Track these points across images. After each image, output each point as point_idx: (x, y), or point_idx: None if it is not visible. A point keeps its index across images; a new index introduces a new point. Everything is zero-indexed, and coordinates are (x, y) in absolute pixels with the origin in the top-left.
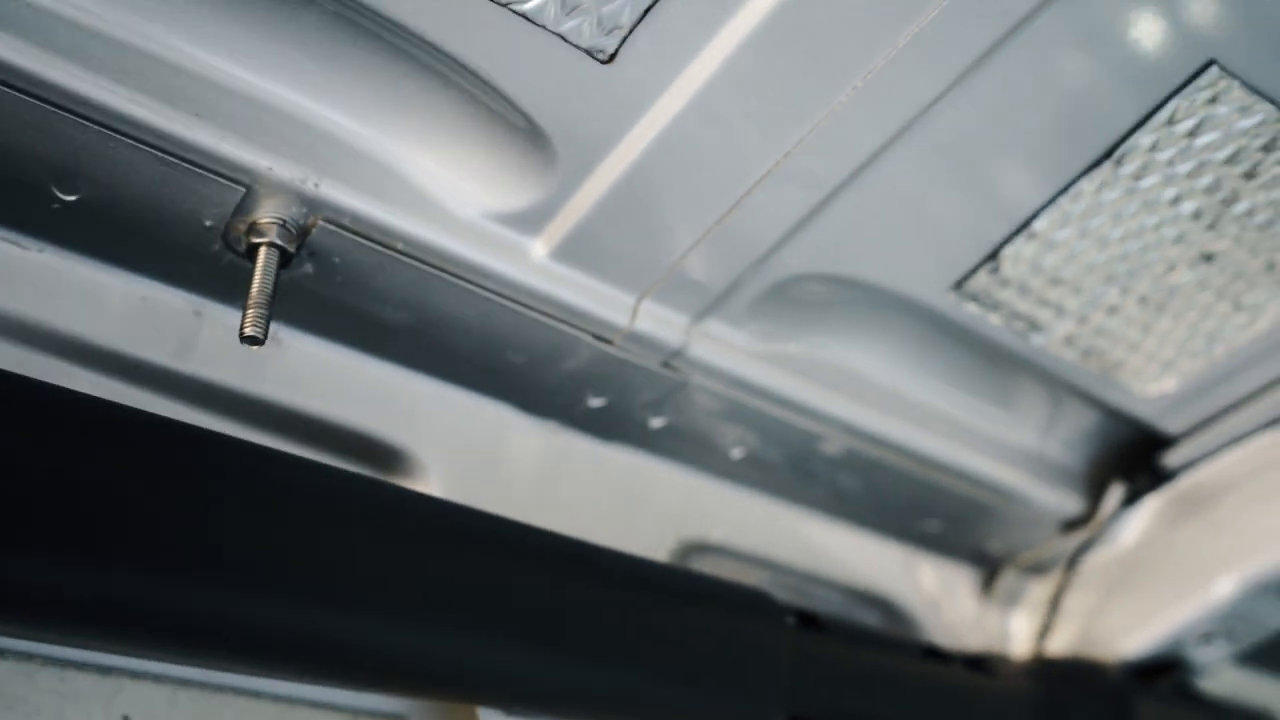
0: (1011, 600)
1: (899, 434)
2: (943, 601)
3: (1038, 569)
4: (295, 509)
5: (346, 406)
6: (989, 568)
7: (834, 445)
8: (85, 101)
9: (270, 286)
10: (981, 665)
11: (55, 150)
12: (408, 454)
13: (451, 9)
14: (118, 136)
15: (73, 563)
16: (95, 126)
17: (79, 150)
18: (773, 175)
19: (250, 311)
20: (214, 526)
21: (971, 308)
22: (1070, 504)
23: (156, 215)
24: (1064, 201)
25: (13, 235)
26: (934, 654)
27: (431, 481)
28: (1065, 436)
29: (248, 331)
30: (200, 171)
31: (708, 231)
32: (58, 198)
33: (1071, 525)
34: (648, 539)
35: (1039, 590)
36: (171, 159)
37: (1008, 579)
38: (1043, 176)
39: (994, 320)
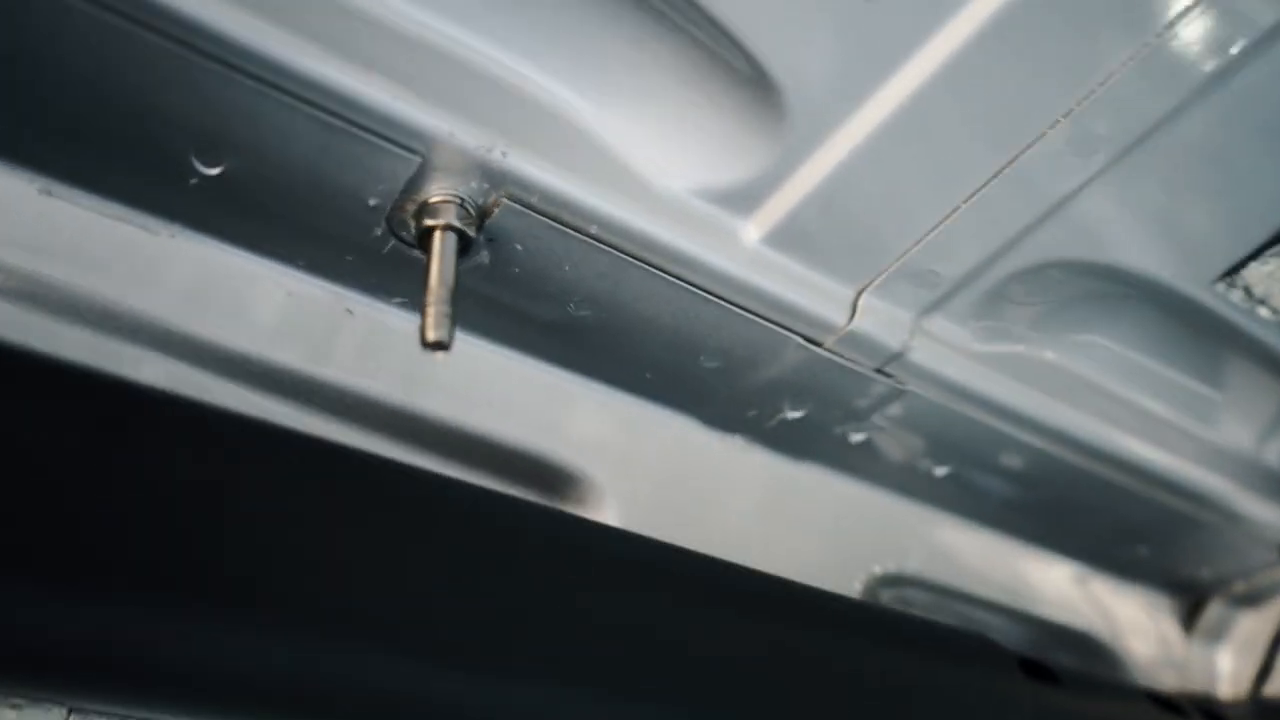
0: (1218, 635)
1: (1125, 447)
2: (1142, 637)
3: (1250, 600)
4: (466, 542)
5: (516, 423)
6: (1193, 598)
7: (1043, 459)
8: (235, 47)
9: (451, 278)
10: (1213, 713)
11: (197, 111)
12: (583, 477)
13: None
14: (273, 92)
15: (209, 609)
16: (248, 80)
17: (225, 111)
18: (1038, 146)
19: (432, 310)
20: (366, 563)
21: (1237, 298)
22: None
23: (312, 192)
24: None
25: (139, 216)
26: (1165, 703)
27: (608, 509)
28: None
29: (430, 336)
30: (368, 137)
31: (953, 211)
32: (196, 170)
33: None
34: (840, 570)
35: (1251, 624)
36: (336, 121)
37: (1215, 610)
38: None
39: (1263, 313)
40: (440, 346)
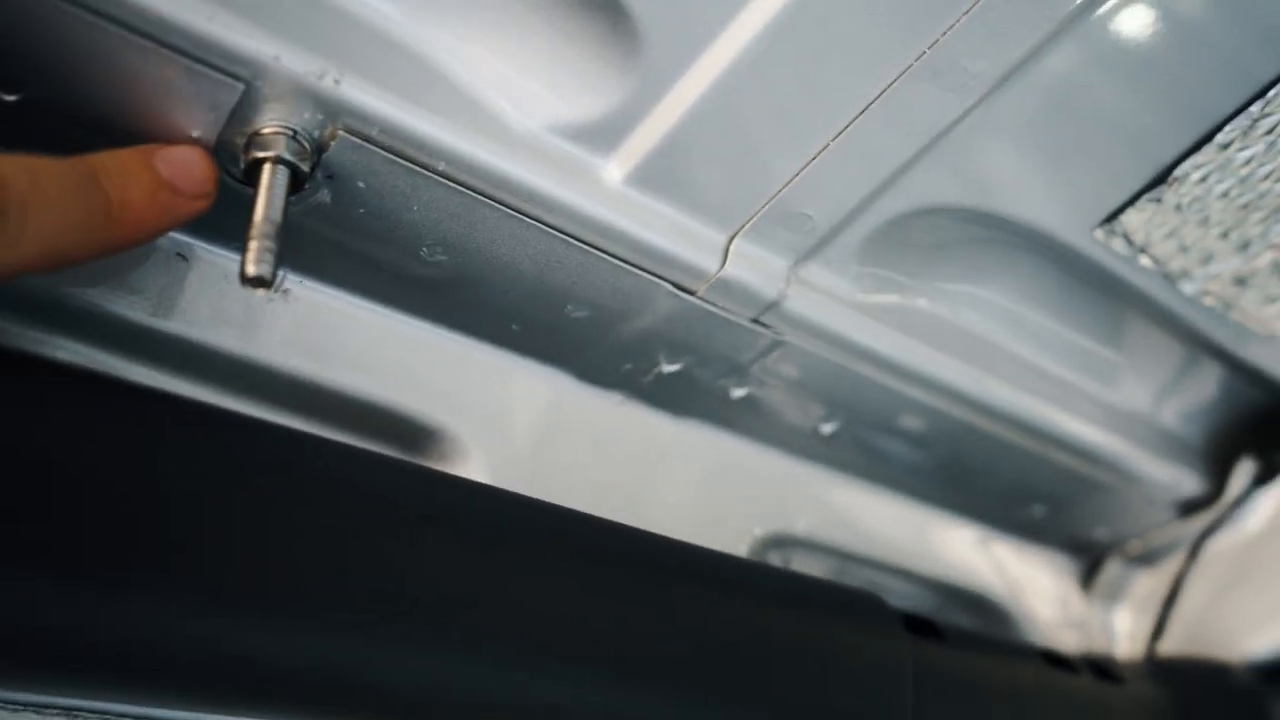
0: (1115, 594)
1: (1012, 401)
2: (1039, 596)
3: (1146, 559)
4: (309, 499)
5: (369, 374)
6: (1089, 558)
7: (935, 417)
8: None
9: (278, 214)
10: (1106, 672)
11: None
12: (445, 432)
13: None
14: (76, 10)
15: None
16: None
17: (21, 31)
18: (906, 79)
19: (253, 245)
20: (194, 523)
21: (1119, 246)
22: (1189, 483)
23: (125, 123)
24: (1254, 110)
25: None
26: (1057, 661)
27: (473, 465)
28: (1191, 404)
29: (250, 270)
30: (184, 61)
31: (823, 149)
32: None
33: (1189, 508)
34: (725, 531)
35: (1147, 583)
36: (146, 43)
37: (1112, 570)
38: (1234, 79)
39: (1144, 262)
40: (260, 283)
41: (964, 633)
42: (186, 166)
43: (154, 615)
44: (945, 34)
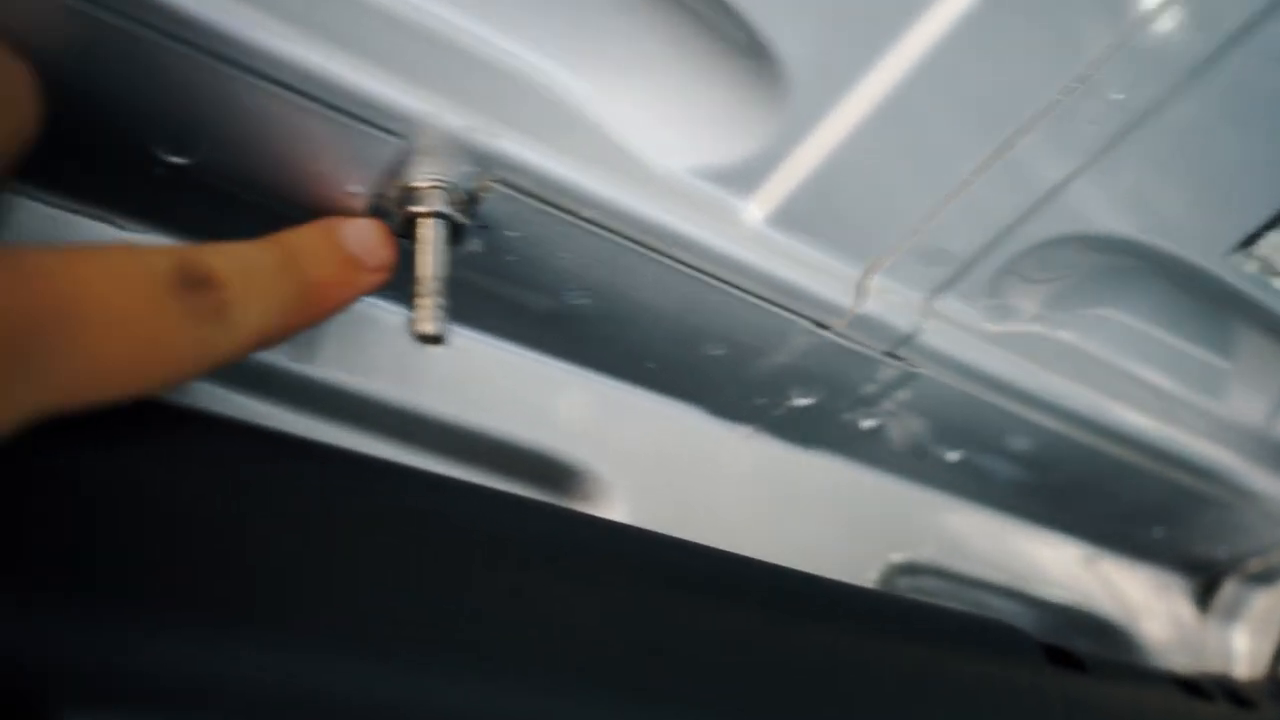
0: (1233, 614)
1: (1135, 423)
2: (1154, 617)
3: (1266, 578)
4: (475, 544)
5: (516, 418)
6: (1206, 577)
7: (1059, 442)
8: (204, 29)
9: (445, 268)
10: (1238, 696)
11: (161, 98)
12: (588, 471)
13: None
14: (244, 76)
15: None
16: (218, 64)
17: (193, 96)
18: (1052, 113)
19: (426, 302)
20: (371, 571)
21: (1252, 268)
22: None
23: (285, 180)
24: None
25: (101, 211)
26: (1191, 687)
27: (615, 502)
28: None
29: (423, 329)
30: (345, 120)
31: (966, 184)
32: (161, 161)
33: None
34: (854, 562)
35: (1267, 602)
36: (310, 104)
37: (1230, 590)
38: None
39: (1277, 284)
40: (435, 340)
41: (1102, 661)
42: (368, 240)
43: (315, 666)
44: (1094, 68)
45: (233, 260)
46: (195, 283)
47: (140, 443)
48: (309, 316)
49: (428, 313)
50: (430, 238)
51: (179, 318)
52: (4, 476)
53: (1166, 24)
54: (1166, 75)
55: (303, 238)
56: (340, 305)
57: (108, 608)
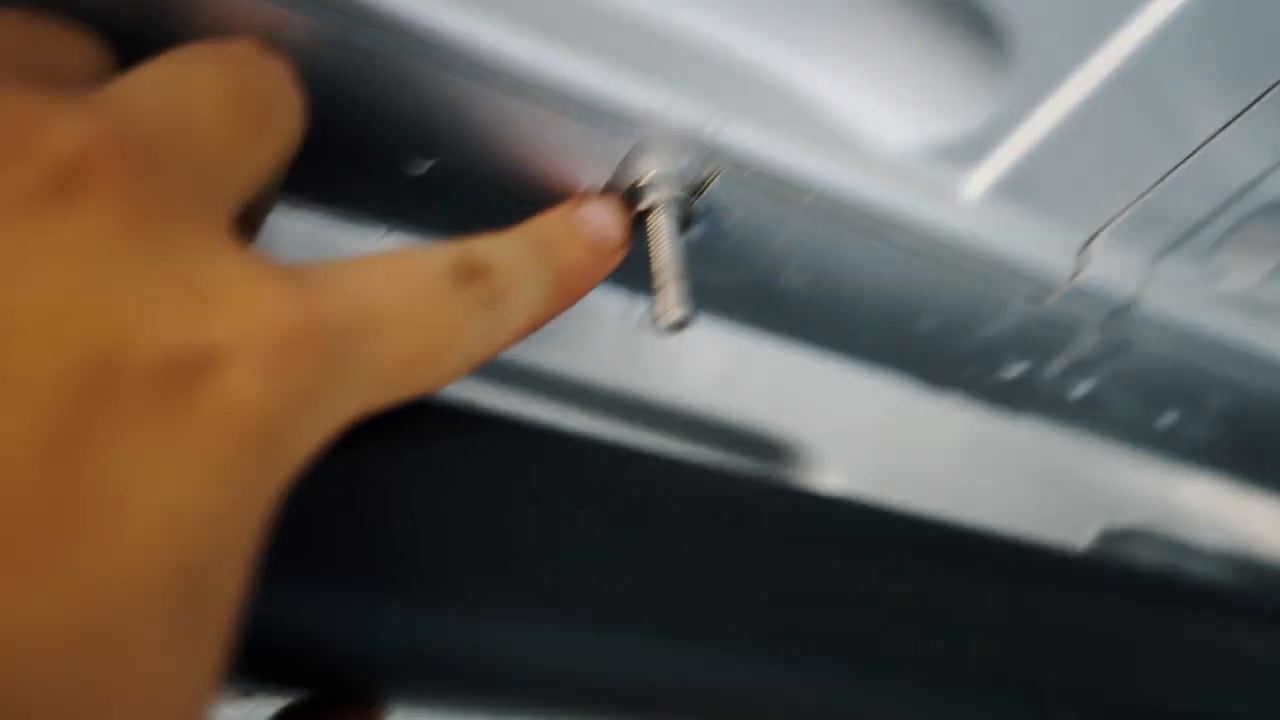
0: None
1: None
2: None
3: None
4: (703, 521)
5: (728, 395)
6: None
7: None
8: (449, 45)
9: (679, 255)
10: None
11: (408, 109)
12: (802, 444)
13: None
14: (481, 85)
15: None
16: (460, 78)
17: (435, 107)
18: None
19: (671, 289)
20: (589, 554)
21: None
22: None
23: (521, 181)
24: None
25: (354, 220)
26: None
27: (829, 475)
28: None
29: (672, 316)
30: (582, 120)
31: (1199, 146)
32: (404, 170)
33: None
34: (1066, 529)
35: None
36: (545, 108)
37: None
38: None
39: None
40: (683, 325)
41: None
42: (604, 221)
43: (617, 646)
44: None
45: (500, 249)
46: (473, 272)
47: (422, 440)
48: (564, 301)
49: (674, 298)
50: (664, 227)
51: (464, 307)
52: (332, 476)
53: None
54: None
55: (550, 224)
56: (589, 288)
57: (425, 596)
